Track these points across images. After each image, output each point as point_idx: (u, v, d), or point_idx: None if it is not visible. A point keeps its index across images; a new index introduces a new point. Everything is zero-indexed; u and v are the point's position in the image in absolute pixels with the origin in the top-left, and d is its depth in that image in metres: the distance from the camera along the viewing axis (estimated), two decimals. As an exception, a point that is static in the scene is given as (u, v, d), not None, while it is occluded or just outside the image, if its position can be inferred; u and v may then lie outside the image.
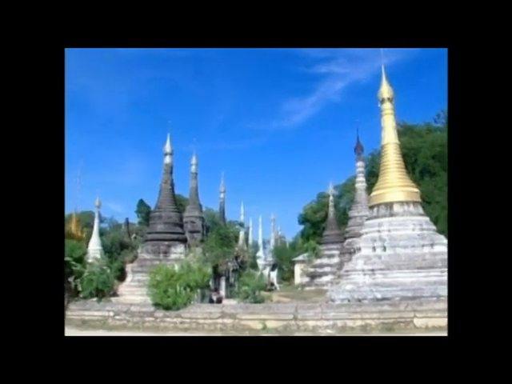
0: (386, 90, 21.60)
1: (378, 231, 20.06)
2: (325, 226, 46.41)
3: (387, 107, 21.55)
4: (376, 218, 20.75)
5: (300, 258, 50.39)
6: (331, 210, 43.48)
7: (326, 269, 38.54)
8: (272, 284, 46.51)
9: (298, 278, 46.57)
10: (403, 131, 44.70)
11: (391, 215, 20.15)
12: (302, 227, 69.94)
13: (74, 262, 18.72)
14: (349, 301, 17.53)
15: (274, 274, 52.78)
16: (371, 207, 21.75)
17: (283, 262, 59.12)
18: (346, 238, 36.54)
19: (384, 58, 22.62)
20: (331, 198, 44.27)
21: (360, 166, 38.26)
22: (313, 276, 39.59)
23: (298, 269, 49.57)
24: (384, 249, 19.28)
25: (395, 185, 20.45)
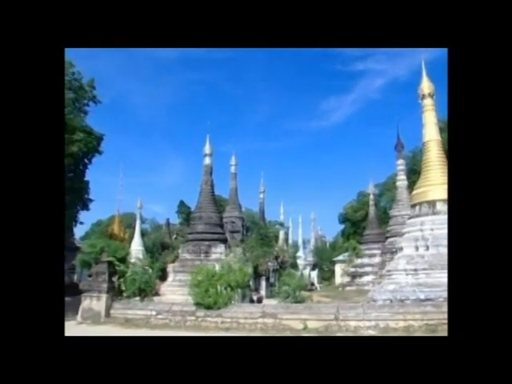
0: (426, 86, 21.12)
1: (421, 230, 19.63)
2: (365, 225, 45.87)
3: (428, 103, 21.06)
4: (418, 216, 20.31)
5: (340, 257, 50.05)
6: (372, 208, 42.91)
7: (367, 268, 38.09)
8: (312, 284, 46.26)
9: (339, 278, 46.27)
10: (445, 127, 43.60)
11: (434, 213, 19.66)
12: (342, 226, 69.42)
13: (117, 262, 19.16)
14: (391, 301, 17.23)
15: (314, 274, 52.51)
16: (413, 206, 21.31)
17: (323, 261, 58.81)
18: (387, 238, 35.99)
19: (424, 53, 22.14)
20: (371, 196, 43.67)
21: (401, 163, 37.60)
22: (353, 276, 39.19)
23: (338, 269, 49.27)
24: (427, 248, 18.85)
25: (438, 182, 19.93)
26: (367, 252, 39.79)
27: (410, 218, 21.41)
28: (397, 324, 13.52)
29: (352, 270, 40.44)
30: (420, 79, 21.53)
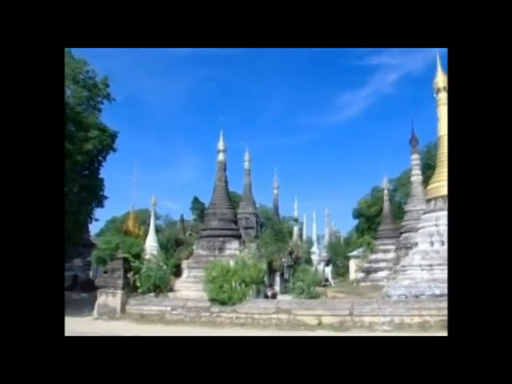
0: (441, 80, 20.91)
1: (436, 225, 19.50)
2: (380, 220, 45.57)
3: (443, 97, 20.83)
4: (433, 211, 20.17)
5: (355, 253, 49.81)
6: (386, 204, 42.64)
7: (382, 264, 37.89)
8: (327, 280, 46.25)
9: (353, 274, 46.06)
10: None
11: (449, 209, 19.49)
12: (356, 222, 69.08)
13: (132, 259, 19.32)
14: (406, 297, 17.16)
15: (328, 270, 52.47)
16: (428, 201, 21.17)
17: (338, 257, 58.62)
18: (401, 233, 35.76)
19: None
20: (386, 191, 43.36)
21: (415, 158, 37.28)
22: (368, 271, 39.00)
23: (352, 264, 49.04)
24: (442, 243, 18.72)
25: (453, 177, 19.73)
26: (382, 247, 39.57)
27: (424, 213, 21.27)
28: (412, 320, 13.48)
29: (366, 265, 40.23)
30: (435, 73, 21.34)
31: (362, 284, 36.93)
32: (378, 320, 13.89)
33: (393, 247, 37.30)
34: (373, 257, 40.05)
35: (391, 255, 37.02)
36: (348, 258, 53.43)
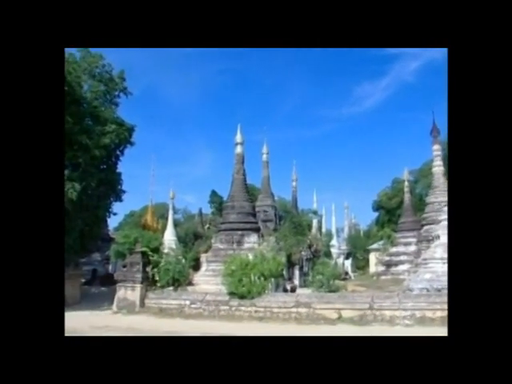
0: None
1: (458, 217, 19.22)
2: (400, 212, 45.21)
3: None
4: (455, 203, 19.88)
5: (375, 246, 49.58)
6: (407, 196, 42.26)
7: (403, 257, 37.62)
8: (346, 273, 46.07)
9: (373, 267, 45.83)
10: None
11: (472, 200, 19.22)
12: (376, 214, 68.60)
13: (150, 253, 19.47)
14: (428, 290, 17.01)
15: (348, 263, 52.26)
16: (450, 192, 20.86)
17: (357, 250, 58.39)
18: (423, 225, 35.37)
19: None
20: (406, 183, 42.96)
21: (437, 149, 36.76)
22: (388, 265, 38.77)
23: (372, 257, 48.81)
24: (465, 236, 18.46)
25: (476, 168, 19.44)
26: (402, 240, 39.28)
27: (446, 205, 21.01)
28: (434, 314, 13.35)
29: (387, 258, 40.00)
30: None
31: (383, 277, 36.74)
32: (398, 314, 13.79)
33: (414, 240, 36.99)
34: (393, 250, 39.79)
35: (412, 248, 36.73)
36: (368, 251, 53.17)
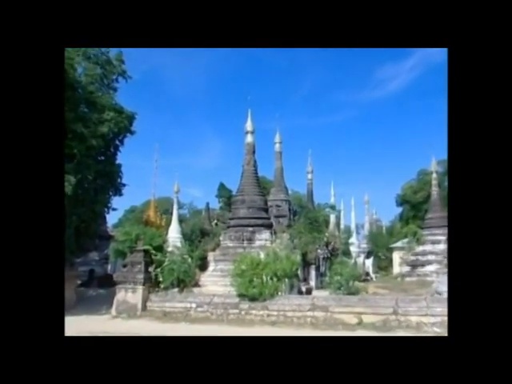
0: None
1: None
2: (427, 207, 44.92)
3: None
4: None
5: (399, 244, 49.30)
6: (435, 189, 41.89)
7: (430, 257, 37.36)
8: (367, 274, 45.90)
9: (397, 267, 45.59)
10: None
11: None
12: (400, 209, 68.32)
13: (153, 251, 19.43)
14: (458, 293, 16.79)
15: (369, 263, 52.05)
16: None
17: (379, 248, 58.13)
18: (452, 221, 35.07)
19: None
20: (434, 175, 42.56)
21: (468, 137, 36.45)
22: (414, 265, 38.52)
23: (396, 257, 48.59)
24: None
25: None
26: (430, 238, 38.99)
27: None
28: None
29: (412, 258, 39.73)
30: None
31: (408, 279, 36.54)
32: (426, 320, 13.65)
33: (443, 238, 36.59)
34: (420, 249, 39.52)
35: (441, 247, 36.43)
36: (391, 250, 52.94)
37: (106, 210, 23.85)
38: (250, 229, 28.59)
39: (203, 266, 27.77)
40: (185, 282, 18.99)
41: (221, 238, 30.38)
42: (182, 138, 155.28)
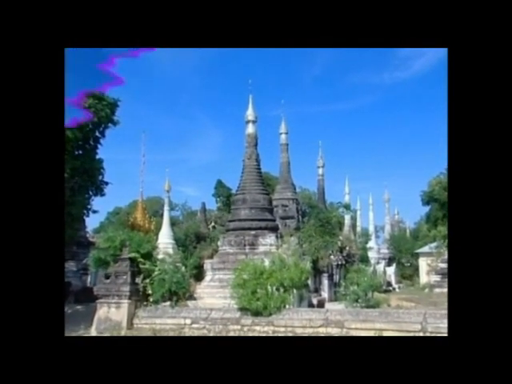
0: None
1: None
2: (458, 206, 44.84)
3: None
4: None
5: (426, 249, 49.37)
6: (467, 185, 41.90)
7: (463, 263, 37.34)
8: (389, 283, 46.06)
9: (425, 276, 45.77)
10: None
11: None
12: (427, 209, 68.11)
13: (141, 259, 19.36)
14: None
15: (390, 271, 52.19)
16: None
17: (403, 254, 58.27)
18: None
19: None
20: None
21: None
22: (444, 274, 38.50)
23: (423, 264, 48.71)
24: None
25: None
26: (462, 241, 38.99)
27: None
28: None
29: (442, 265, 39.73)
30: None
31: (437, 290, 36.53)
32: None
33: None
34: (450, 254, 39.49)
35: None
36: (416, 256, 53.05)
37: (84, 212, 23.87)
38: (253, 232, 28.66)
39: (199, 276, 27.89)
40: (178, 294, 18.95)
41: (219, 244, 30.50)
42: (174, 128, 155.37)
